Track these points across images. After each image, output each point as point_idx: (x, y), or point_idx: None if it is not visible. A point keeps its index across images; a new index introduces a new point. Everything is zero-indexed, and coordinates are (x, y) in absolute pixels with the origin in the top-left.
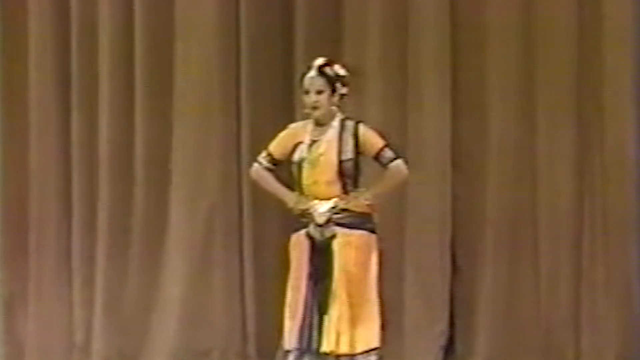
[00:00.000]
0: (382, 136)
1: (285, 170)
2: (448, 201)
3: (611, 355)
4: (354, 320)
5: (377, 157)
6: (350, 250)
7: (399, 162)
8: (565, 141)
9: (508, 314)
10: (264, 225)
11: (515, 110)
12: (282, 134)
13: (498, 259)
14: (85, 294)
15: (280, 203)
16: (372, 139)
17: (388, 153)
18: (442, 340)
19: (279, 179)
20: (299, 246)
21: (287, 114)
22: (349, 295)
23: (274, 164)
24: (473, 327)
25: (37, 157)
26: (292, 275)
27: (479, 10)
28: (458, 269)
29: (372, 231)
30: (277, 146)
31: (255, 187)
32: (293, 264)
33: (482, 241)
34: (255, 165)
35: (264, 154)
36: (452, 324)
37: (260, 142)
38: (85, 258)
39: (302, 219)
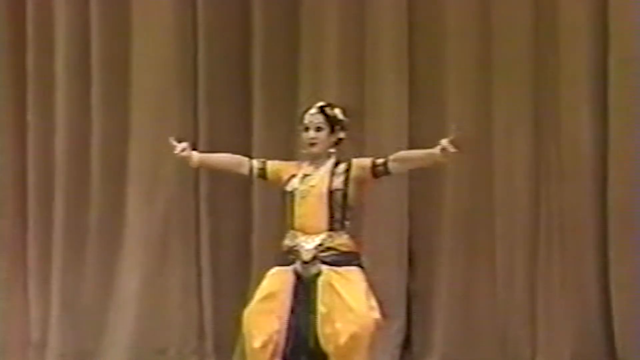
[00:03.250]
0: None
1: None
2: (405, 197)
3: (567, 352)
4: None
5: (374, 166)
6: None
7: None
8: (521, 139)
9: (465, 311)
10: (222, 222)
11: (473, 108)
12: (282, 161)
13: (455, 256)
14: (42, 291)
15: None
16: (363, 160)
17: (380, 160)
18: (399, 338)
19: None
20: (281, 279)
21: (244, 110)
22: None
23: (262, 170)
24: (430, 324)
25: None
26: (269, 303)
27: (436, 9)
28: (414, 267)
29: (359, 266)
30: (273, 162)
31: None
32: (270, 293)
33: (438, 238)
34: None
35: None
36: (408, 322)
37: (217, 137)
38: (41, 255)
39: (289, 255)
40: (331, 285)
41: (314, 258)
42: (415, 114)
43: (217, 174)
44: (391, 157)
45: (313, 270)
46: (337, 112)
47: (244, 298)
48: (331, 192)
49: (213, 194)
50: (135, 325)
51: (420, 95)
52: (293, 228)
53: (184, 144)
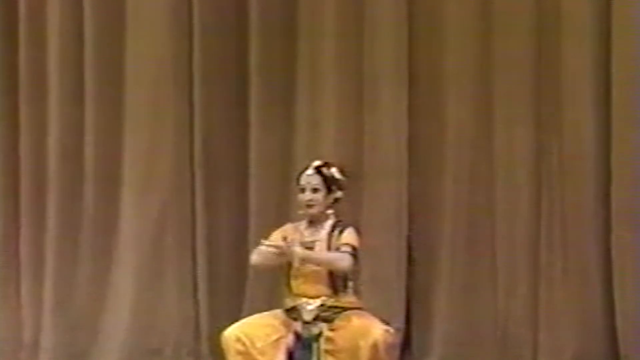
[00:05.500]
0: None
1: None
2: (404, 197)
3: (569, 353)
4: None
5: (338, 246)
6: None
7: (347, 255)
8: (522, 138)
9: (465, 311)
10: (217, 222)
11: (473, 107)
12: (277, 230)
13: (455, 256)
14: (34, 292)
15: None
16: (348, 235)
17: (346, 247)
18: (398, 338)
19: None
20: (285, 323)
21: (240, 111)
22: None
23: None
24: (429, 324)
25: None
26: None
27: (436, 8)
28: (414, 265)
29: None
30: (273, 238)
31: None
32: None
33: (439, 238)
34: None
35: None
36: (408, 322)
37: (213, 136)
38: (33, 255)
39: (291, 314)
40: (331, 339)
41: (316, 318)
42: (414, 111)
43: (213, 172)
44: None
45: (314, 330)
46: (334, 171)
47: (241, 298)
48: None
49: (209, 193)
50: (130, 325)
51: (419, 93)
52: (292, 293)
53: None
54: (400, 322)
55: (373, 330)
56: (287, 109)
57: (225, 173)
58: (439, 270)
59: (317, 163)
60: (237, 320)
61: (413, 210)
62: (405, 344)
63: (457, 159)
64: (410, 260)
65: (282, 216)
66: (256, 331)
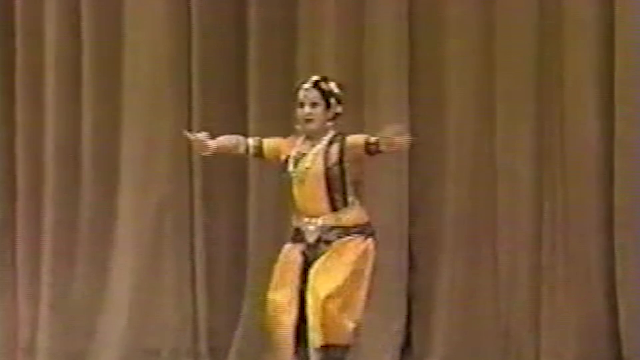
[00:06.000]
0: None
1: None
2: (405, 198)
3: (571, 355)
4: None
5: (366, 144)
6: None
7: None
8: (525, 137)
9: (466, 313)
10: (216, 220)
11: (474, 106)
12: (280, 138)
13: (456, 257)
14: (31, 291)
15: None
16: (356, 136)
17: (373, 138)
18: (399, 340)
19: None
20: (290, 259)
21: (239, 107)
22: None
23: (259, 148)
24: (430, 327)
25: None
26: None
27: (437, 5)
28: (415, 267)
29: (365, 236)
30: (269, 140)
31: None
32: (282, 280)
33: (440, 239)
34: None
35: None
36: (409, 323)
37: (212, 133)
38: (30, 254)
39: (297, 235)
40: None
41: (319, 240)
42: (415, 107)
43: (212, 170)
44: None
45: (319, 252)
46: (333, 86)
47: (239, 298)
48: (327, 174)
49: (208, 191)
50: (128, 325)
51: (420, 89)
52: (296, 210)
53: (204, 133)
54: (401, 323)
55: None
56: (288, 104)
57: (224, 172)
58: (439, 271)
59: (315, 78)
60: (235, 319)
61: (413, 211)
62: (406, 345)
63: (458, 159)
64: (410, 261)
65: (281, 215)
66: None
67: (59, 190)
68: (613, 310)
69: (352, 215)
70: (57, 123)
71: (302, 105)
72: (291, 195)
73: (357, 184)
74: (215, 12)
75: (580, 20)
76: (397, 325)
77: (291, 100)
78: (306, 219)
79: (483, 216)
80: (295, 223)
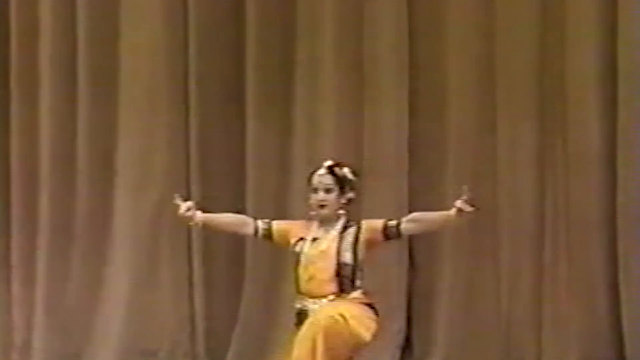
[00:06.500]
0: None
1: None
2: (405, 195)
3: (574, 353)
4: None
5: (385, 228)
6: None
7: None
8: (526, 134)
9: (467, 312)
10: None
11: (475, 102)
12: (290, 221)
13: (457, 255)
14: (25, 292)
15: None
16: (374, 221)
17: (392, 221)
18: (400, 339)
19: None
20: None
21: (237, 105)
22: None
23: (268, 231)
24: (431, 326)
25: None
26: None
27: (438, 2)
28: (416, 265)
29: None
30: (279, 223)
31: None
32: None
33: (440, 237)
34: None
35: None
36: (409, 322)
37: (209, 133)
38: (25, 253)
39: (299, 317)
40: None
41: None
42: (416, 108)
43: (209, 170)
44: (404, 219)
45: None
46: (346, 171)
47: (237, 298)
48: (340, 258)
49: (205, 192)
50: (124, 326)
51: (420, 90)
52: (299, 292)
53: (189, 203)
54: (401, 323)
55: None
56: (285, 105)
57: (222, 171)
58: (440, 270)
59: (329, 163)
60: (234, 320)
61: (414, 209)
62: (407, 345)
63: (459, 157)
64: (411, 259)
65: (279, 215)
66: None
67: (54, 190)
68: (616, 310)
69: (357, 295)
70: (52, 122)
71: (315, 190)
72: (296, 277)
73: (364, 269)
74: (212, 9)
75: (583, 17)
76: (398, 324)
77: (289, 100)
78: (310, 300)
79: (484, 214)
80: (298, 305)
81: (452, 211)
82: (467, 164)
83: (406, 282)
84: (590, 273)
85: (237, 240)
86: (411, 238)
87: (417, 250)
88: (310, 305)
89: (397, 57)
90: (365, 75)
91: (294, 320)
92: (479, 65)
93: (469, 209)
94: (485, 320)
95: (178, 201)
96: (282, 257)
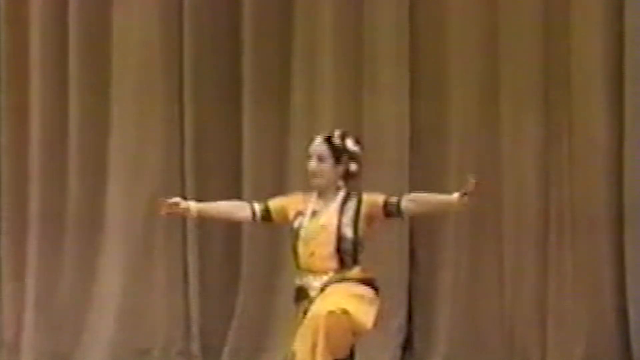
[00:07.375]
0: None
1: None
2: (405, 191)
3: (579, 352)
4: None
5: (385, 205)
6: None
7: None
8: (530, 129)
9: (469, 310)
10: None
11: (479, 93)
12: (285, 196)
13: (459, 253)
14: (15, 289)
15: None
16: (374, 196)
17: (393, 198)
18: (400, 337)
19: None
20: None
21: (233, 97)
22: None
23: (266, 211)
24: (432, 324)
25: None
26: None
27: None
28: (417, 262)
29: (374, 289)
30: (274, 201)
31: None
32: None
33: (442, 234)
34: None
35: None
36: (410, 320)
37: (204, 130)
38: (15, 250)
39: (300, 293)
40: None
41: (322, 290)
42: (416, 100)
43: (204, 164)
44: (405, 197)
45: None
46: (348, 142)
47: (233, 296)
48: (341, 232)
49: (200, 186)
50: (117, 325)
51: (422, 81)
52: (299, 267)
53: (176, 199)
54: (402, 320)
55: (328, 306)
56: (283, 98)
57: (217, 164)
58: (442, 266)
59: (334, 133)
60: (229, 318)
61: None
62: (408, 344)
63: (462, 150)
64: (411, 256)
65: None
66: None
67: (45, 184)
68: (622, 307)
69: (358, 272)
70: (43, 114)
71: (309, 158)
72: (294, 252)
73: (365, 244)
74: (207, 1)
75: (588, 7)
76: (398, 322)
77: (287, 92)
78: (311, 276)
79: (487, 211)
80: (297, 282)
81: (455, 195)
82: (469, 157)
83: (407, 279)
84: (596, 270)
85: (232, 235)
86: (412, 234)
87: (418, 247)
88: (311, 281)
89: (397, 47)
90: (364, 65)
91: (292, 295)
92: (482, 55)
93: (472, 189)
94: (488, 318)
95: (163, 201)
96: (278, 253)
